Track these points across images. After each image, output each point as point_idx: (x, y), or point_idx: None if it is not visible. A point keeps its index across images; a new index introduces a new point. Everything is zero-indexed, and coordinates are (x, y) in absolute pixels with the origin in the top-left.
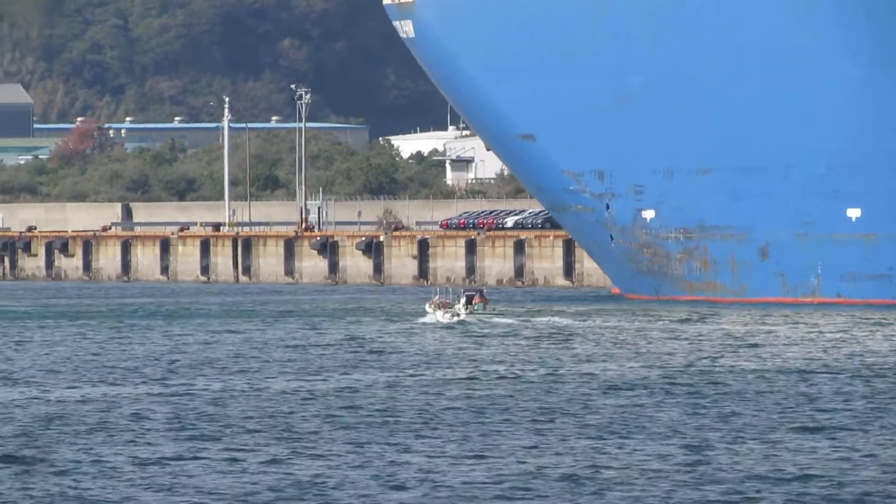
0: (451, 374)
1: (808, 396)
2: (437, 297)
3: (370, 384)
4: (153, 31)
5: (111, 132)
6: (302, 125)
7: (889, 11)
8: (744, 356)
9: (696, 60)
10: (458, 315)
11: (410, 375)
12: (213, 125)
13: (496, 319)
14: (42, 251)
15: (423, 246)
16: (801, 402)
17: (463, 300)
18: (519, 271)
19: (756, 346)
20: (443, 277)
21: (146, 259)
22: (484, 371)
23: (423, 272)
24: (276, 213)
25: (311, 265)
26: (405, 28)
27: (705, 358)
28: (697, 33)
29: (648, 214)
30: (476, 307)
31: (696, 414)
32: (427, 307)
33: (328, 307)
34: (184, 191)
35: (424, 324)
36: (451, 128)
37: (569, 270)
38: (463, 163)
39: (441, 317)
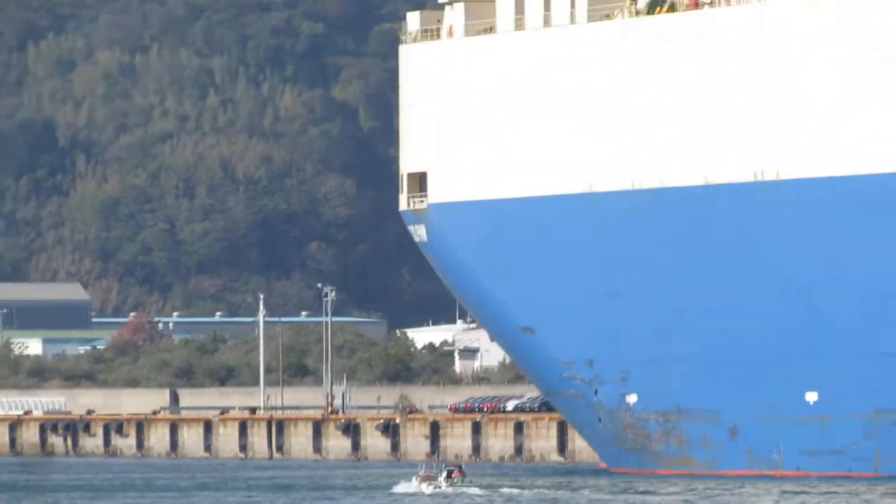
0: None
1: None
2: (422, 470)
3: None
4: (196, 234)
5: (160, 325)
6: (328, 319)
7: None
8: None
9: (674, 260)
10: (440, 487)
11: None
12: (250, 319)
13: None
14: (100, 431)
15: (435, 427)
16: None
17: (444, 474)
18: (518, 449)
19: None
20: (452, 454)
21: (191, 438)
22: None
23: (434, 450)
24: (305, 397)
25: (337, 444)
26: (419, 232)
27: None
28: (676, 237)
29: (632, 399)
30: (455, 480)
31: None
32: (414, 480)
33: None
34: (224, 378)
35: (404, 494)
36: (459, 321)
37: (562, 448)
38: (470, 352)
39: (425, 489)
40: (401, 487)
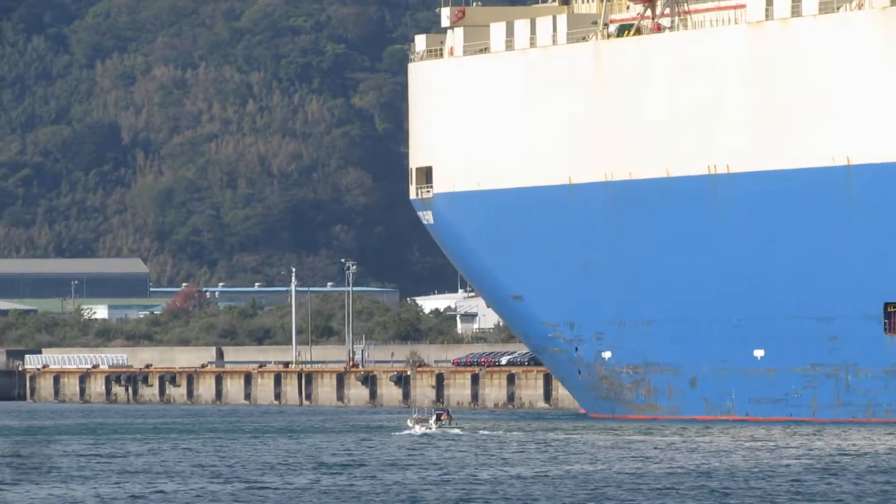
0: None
1: None
2: (416, 414)
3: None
4: (239, 219)
5: (208, 294)
6: (350, 289)
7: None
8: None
9: (641, 239)
10: (431, 428)
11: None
12: (284, 289)
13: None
14: (156, 382)
15: (440, 378)
16: None
17: (434, 417)
18: (511, 397)
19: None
20: (454, 402)
21: (234, 388)
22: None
23: (439, 398)
24: (330, 354)
25: (357, 393)
26: (426, 217)
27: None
28: (642, 220)
29: (606, 354)
30: (444, 422)
31: None
32: (408, 422)
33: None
34: (262, 338)
35: (406, 434)
36: (460, 291)
37: (548, 396)
38: (469, 316)
39: (418, 429)
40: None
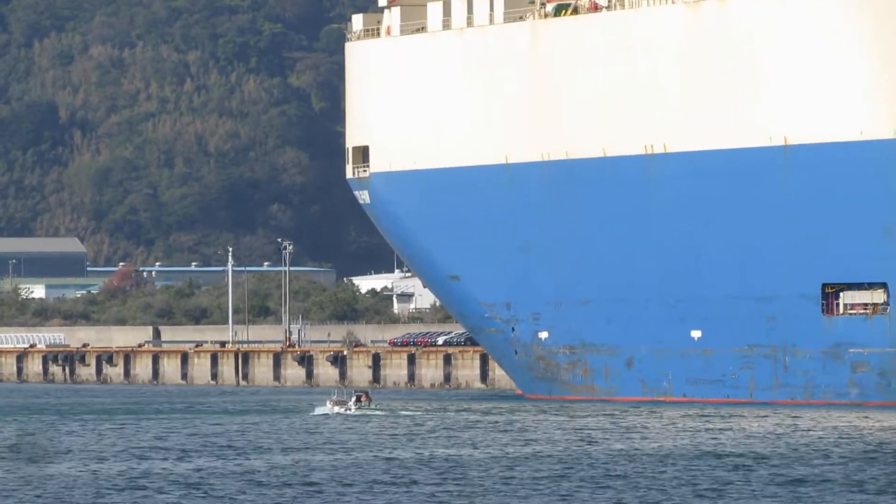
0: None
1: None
2: (335, 395)
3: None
4: (176, 198)
5: (144, 273)
6: (286, 269)
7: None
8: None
9: (578, 219)
10: (350, 409)
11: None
12: (221, 268)
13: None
14: (93, 362)
15: (376, 358)
16: None
17: (354, 398)
18: (447, 377)
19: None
20: (391, 382)
21: (170, 368)
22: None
23: (376, 378)
24: (266, 334)
25: (293, 373)
26: (363, 196)
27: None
28: (580, 200)
29: (543, 335)
30: (363, 404)
31: None
32: (327, 403)
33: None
34: (199, 317)
35: (325, 415)
36: (396, 271)
37: (484, 377)
38: (406, 296)
39: (335, 410)
40: (318, 410)
